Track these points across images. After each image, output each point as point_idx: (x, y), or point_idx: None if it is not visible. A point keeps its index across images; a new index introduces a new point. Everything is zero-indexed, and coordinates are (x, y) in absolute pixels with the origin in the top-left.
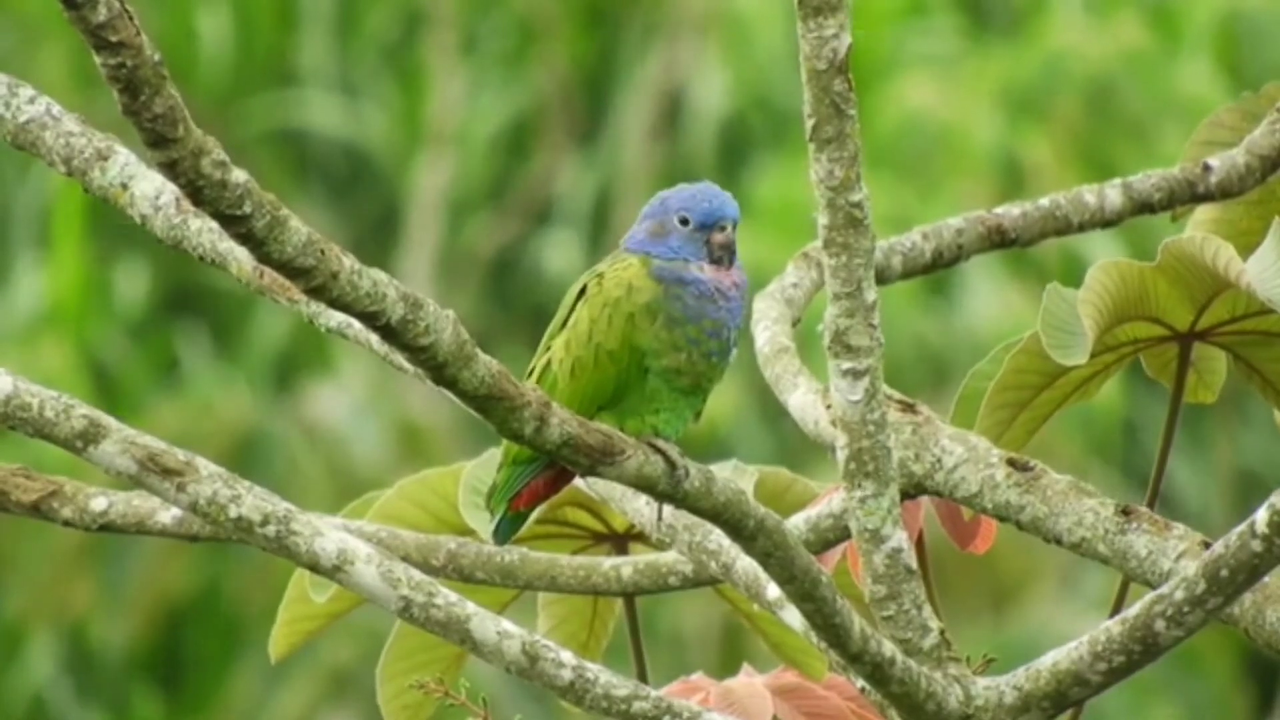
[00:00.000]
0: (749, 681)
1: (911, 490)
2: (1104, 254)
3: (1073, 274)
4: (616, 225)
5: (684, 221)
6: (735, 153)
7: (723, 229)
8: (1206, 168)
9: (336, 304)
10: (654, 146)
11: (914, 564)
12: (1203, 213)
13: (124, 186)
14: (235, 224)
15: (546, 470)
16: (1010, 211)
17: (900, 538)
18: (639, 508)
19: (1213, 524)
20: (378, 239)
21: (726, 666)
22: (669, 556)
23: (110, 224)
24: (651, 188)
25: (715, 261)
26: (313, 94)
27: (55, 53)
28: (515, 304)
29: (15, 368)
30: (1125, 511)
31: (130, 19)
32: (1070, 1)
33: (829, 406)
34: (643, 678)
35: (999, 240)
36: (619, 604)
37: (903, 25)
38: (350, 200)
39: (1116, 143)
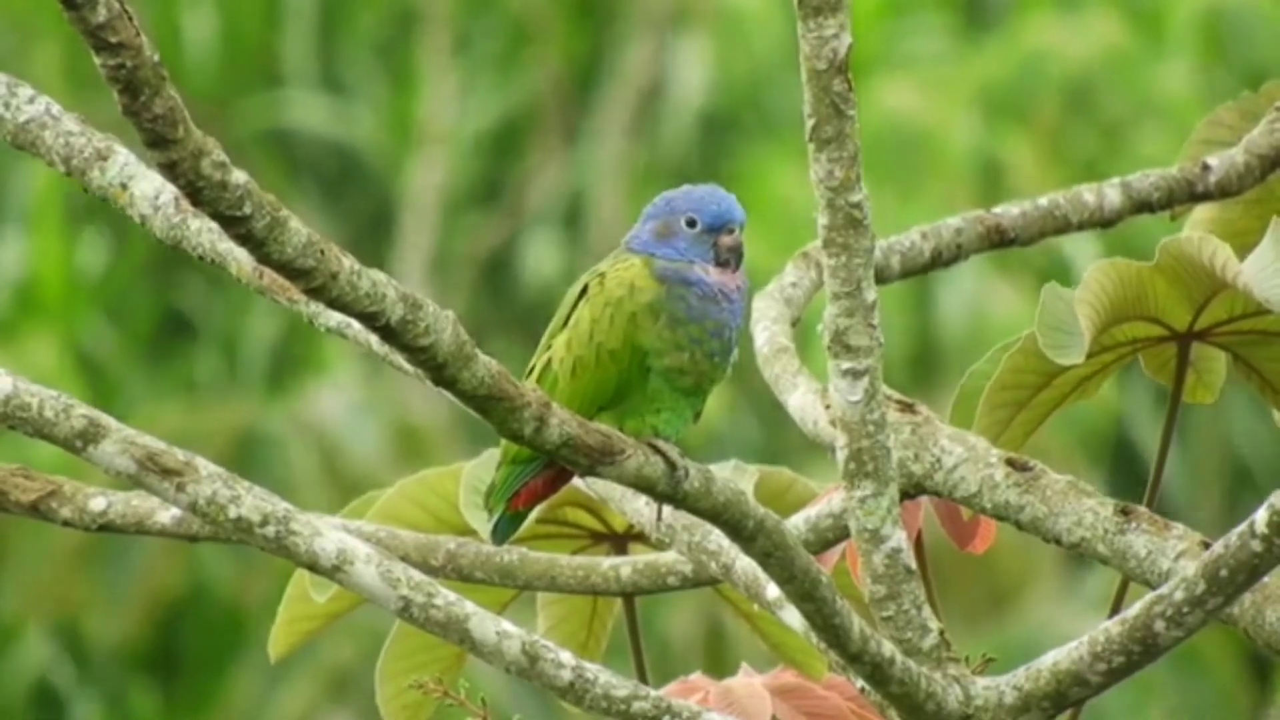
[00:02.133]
0: (748, 681)
1: (911, 490)
2: (1081, 248)
3: (1055, 267)
4: (594, 224)
5: (691, 223)
6: (717, 147)
7: (731, 232)
8: (1205, 167)
9: (336, 304)
10: (634, 143)
11: (913, 564)
12: (1201, 212)
13: (124, 186)
14: (235, 225)
15: (545, 470)
16: (1009, 211)
17: (900, 538)
18: (639, 508)
19: (1196, 520)
20: (371, 239)
21: (710, 671)
22: (668, 556)
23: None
24: (630, 186)
25: (722, 264)
26: (304, 94)
27: (50, 53)
28: (508, 304)
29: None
30: (1124, 511)
31: (130, 20)
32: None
33: (829, 406)
34: (642, 678)
35: (998, 240)
36: (618, 604)
37: (880, 26)
38: (342, 200)
39: (1095, 143)
